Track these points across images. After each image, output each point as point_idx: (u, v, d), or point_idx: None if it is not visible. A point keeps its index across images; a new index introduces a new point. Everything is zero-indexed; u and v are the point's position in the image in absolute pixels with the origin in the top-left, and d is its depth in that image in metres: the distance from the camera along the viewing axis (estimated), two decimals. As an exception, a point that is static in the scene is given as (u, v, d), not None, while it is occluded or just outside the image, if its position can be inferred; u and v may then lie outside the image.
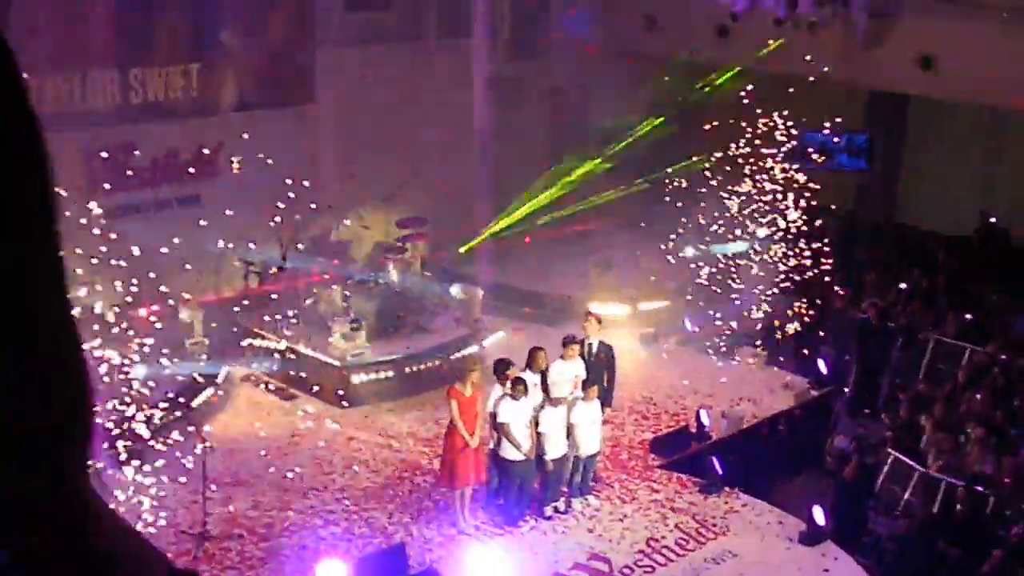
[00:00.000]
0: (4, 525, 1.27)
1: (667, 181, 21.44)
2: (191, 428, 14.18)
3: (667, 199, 22.76)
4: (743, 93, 21.65)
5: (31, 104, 1.30)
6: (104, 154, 17.12)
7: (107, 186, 17.24)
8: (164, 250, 17.79)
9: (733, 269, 20.91)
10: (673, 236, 21.48)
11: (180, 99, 17.67)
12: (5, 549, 1.25)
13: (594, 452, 14.23)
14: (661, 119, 21.67)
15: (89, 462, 1.37)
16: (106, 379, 15.02)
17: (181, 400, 15.53)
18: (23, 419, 1.24)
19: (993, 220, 21.71)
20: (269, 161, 18.33)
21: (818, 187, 23.73)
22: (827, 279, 20.16)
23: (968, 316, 18.26)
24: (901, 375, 18.31)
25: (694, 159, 21.63)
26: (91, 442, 1.36)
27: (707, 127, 21.41)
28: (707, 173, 20.03)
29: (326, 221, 19.12)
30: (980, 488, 14.30)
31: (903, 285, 19.34)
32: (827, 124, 19.18)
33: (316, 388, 16.72)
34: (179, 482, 14.26)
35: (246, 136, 18.14)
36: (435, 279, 19.71)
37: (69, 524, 1.31)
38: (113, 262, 17.24)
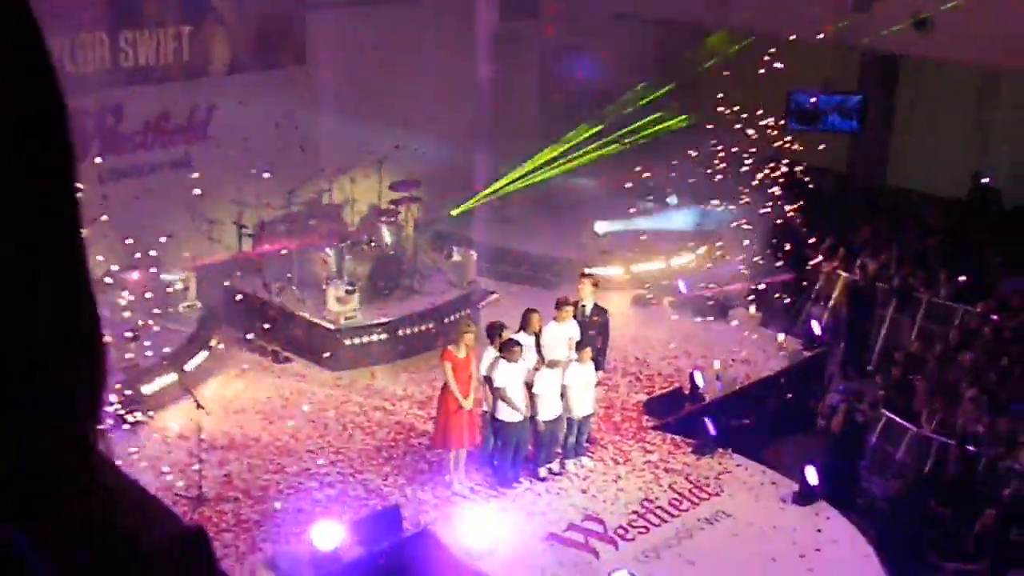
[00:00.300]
0: (22, 502, 1.10)
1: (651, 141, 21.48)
2: (185, 391, 14.16)
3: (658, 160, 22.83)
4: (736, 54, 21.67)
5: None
6: (94, 117, 17.03)
7: (98, 150, 17.20)
8: (156, 213, 17.83)
9: (725, 232, 20.97)
10: (667, 198, 21.53)
11: (171, 62, 17.57)
12: (25, 532, 1.09)
13: (588, 414, 14.27)
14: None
15: (101, 415, 1.21)
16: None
17: (175, 363, 15.54)
18: (33, 355, 1.11)
19: (986, 181, 21.71)
20: (261, 125, 18.35)
21: (812, 148, 23.90)
22: (817, 240, 20.25)
23: (961, 277, 18.31)
24: (894, 336, 18.39)
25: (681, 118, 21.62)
26: (105, 390, 1.22)
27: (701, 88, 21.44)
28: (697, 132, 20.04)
29: (319, 184, 19.06)
30: (972, 447, 14.39)
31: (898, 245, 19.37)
32: (819, 85, 19.13)
33: (310, 350, 16.72)
34: (174, 444, 14.33)
35: (238, 99, 18.08)
36: (428, 242, 19.70)
37: (88, 495, 1.15)
38: (104, 225, 17.29)
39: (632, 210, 21.36)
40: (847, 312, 18.19)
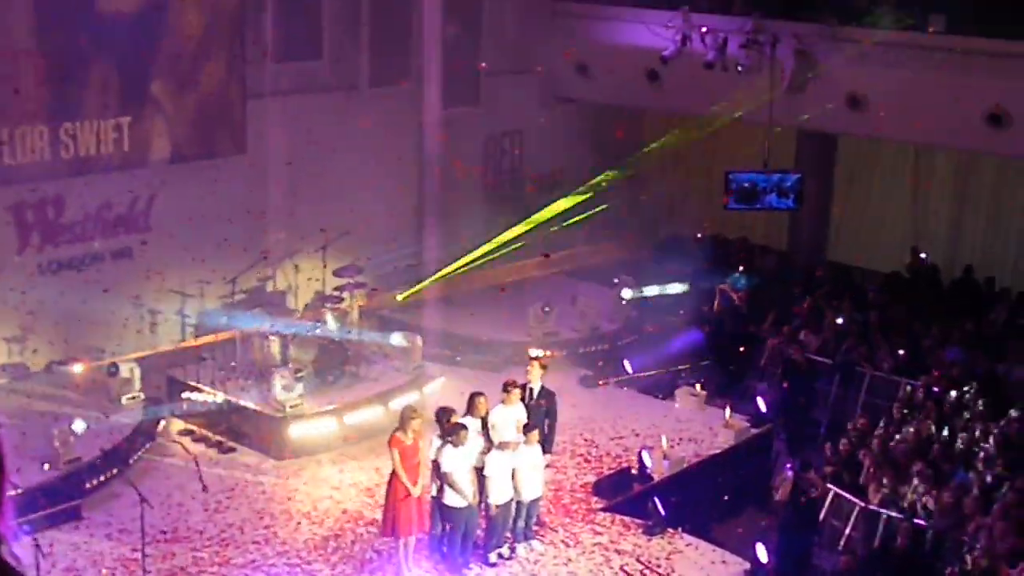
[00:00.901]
0: None
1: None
2: (128, 484, 13.94)
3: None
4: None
5: None
6: (34, 209, 16.94)
7: (38, 242, 17.09)
8: (98, 305, 17.69)
9: (670, 309, 21.14)
10: (614, 279, 21.68)
11: (112, 152, 17.54)
12: None
13: (536, 496, 14.20)
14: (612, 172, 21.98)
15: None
16: (39, 436, 14.86)
17: (117, 456, 15.33)
18: None
19: (924, 256, 22.05)
20: (203, 214, 18.33)
21: (753, 226, 24.26)
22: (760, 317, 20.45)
23: (900, 351, 18.52)
24: (839, 410, 18.53)
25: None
26: (5, 512, 1.25)
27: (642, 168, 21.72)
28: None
29: (262, 271, 19.03)
30: (920, 521, 14.45)
31: (840, 320, 19.57)
32: (759, 165, 19.40)
33: (255, 440, 16.56)
34: (116, 540, 14.09)
35: (179, 188, 18.07)
36: (373, 327, 19.66)
37: None
38: (45, 318, 17.15)
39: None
40: (787, 387, 18.32)
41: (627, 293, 21.20)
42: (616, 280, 21.76)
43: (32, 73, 16.49)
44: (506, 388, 14.31)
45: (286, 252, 19.51)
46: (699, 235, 23.99)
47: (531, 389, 14.67)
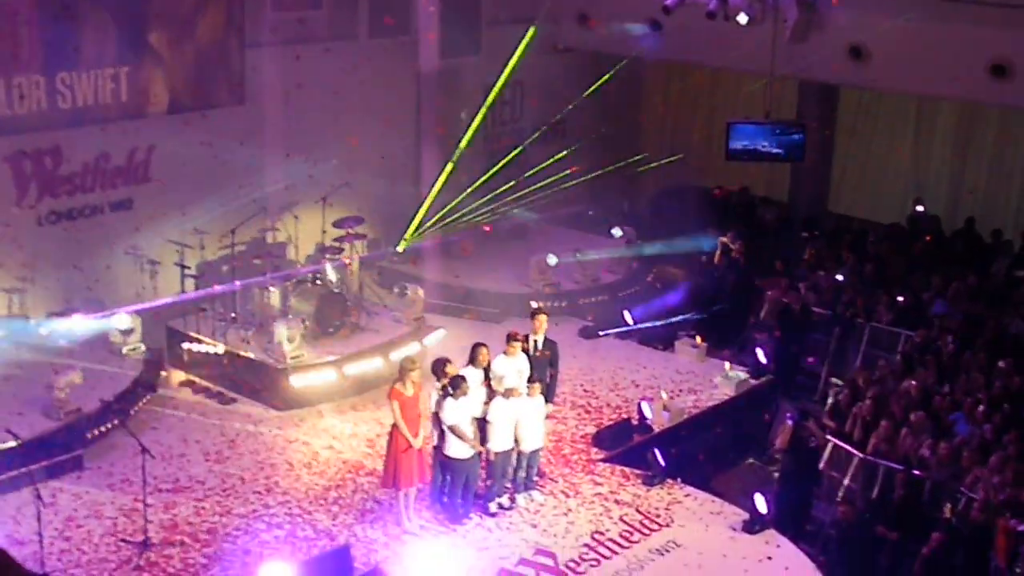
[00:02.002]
0: None
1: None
2: (129, 435, 13.98)
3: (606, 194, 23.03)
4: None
5: None
6: (32, 159, 16.87)
7: (36, 192, 17.02)
8: (97, 256, 17.67)
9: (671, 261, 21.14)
10: (613, 231, 21.65)
11: (109, 103, 17.43)
12: None
13: (537, 447, 14.24)
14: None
15: None
16: (39, 387, 14.89)
17: (118, 406, 15.36)
18: None
19: (920, 208, 21.99)
20: (202, 164, 18.26)
21: (755, 177, 24.19)
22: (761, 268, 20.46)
23: (900, 300, 18.51)
24: (838, 362, 18.56)
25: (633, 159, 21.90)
26: None
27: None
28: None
29: (262, 223, 18.97)
30: (917, 472, 14.51)
31: (839, 277, 19.56)
32: (759, 115, 19.28)
33: (255, 391, 16.59)
34: (119, 490, 14.14)
35: (178, 139, 17.99)
36: (374, 278, 19.65)
37: None
38: (44, 269, 17.12)
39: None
40: (780, 336, 18.34)
41: (617, 231, 21.20)
42: (615, 231, 21.72)
43: (28, 22, 16.35)
44: (509, 339, 14.31)
45: (286, 203, 19.44)
46: (716, 191, 23.95)
47: (535, 341, 14.66)
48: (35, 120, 16.69)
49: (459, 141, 20.94)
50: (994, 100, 19.02)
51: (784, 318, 18.57)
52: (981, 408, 15.17)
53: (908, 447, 14.88)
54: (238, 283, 17.40)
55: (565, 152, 22.05)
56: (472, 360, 13.95)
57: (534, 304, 16.56)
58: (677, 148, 24.46)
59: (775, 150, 17.87)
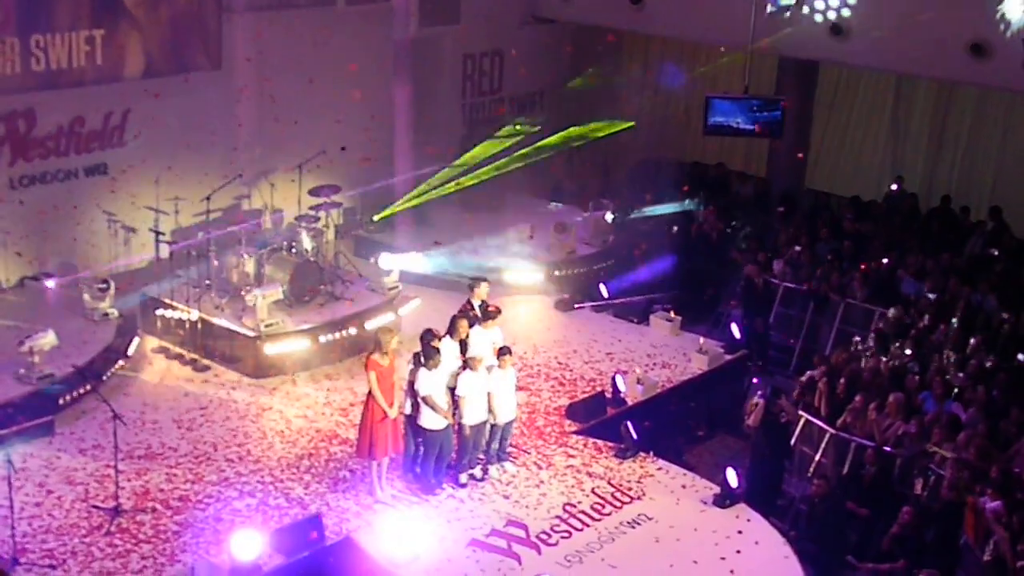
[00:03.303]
0: None
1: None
2: (102, 400, 13.93)
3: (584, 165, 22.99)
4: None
5: None
6: (5, 122, 16.72)
7: (9, 155, 16.88)
8: (71, 221, 17.55)
9: (647, 235, 21.14)
10: (592, 202, 21.63)
11: (84, 66, 17.28)
12: None
13: (510, 419, 14.26)
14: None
15: None
16: (11, 351, 14.81)
17: (90, 372, 15.29)
18: None
19: (894, 188, 22.02)
20: (177, 130, 18.14)
21: (732, 153, 24.21)
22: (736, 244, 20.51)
23: (866, 276, 18.58)
24: (811, 338, 18.63)
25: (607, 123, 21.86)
26: None
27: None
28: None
29: (238, 190, 18.88)
30: (888, 448, 14.60)
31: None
32: (738, 90, 19.27)
33: (229, 358, 16.54)
34: (90, 456, 14.09)
35: (152, 104, 17.85)
36: (349, 247, 19.57)
37: None
38: (17, 233, 17.00)
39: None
40: (744, 311, 18.43)
41: (609, 216, 21.21)
42: (593, 204, 21.70)
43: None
44: (484, 311, 14.31)
45: (261, 170, 19.34)
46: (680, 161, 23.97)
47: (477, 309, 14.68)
48: (8, 83, 16.53)
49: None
50: (972, 80, 19.04)
51: (747, 293, 18.64)
52: (955, 386, 15.28)
53: (880, 425, 14.95)
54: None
55: (539, 127, 22.11)
56: (451, 331, 13.95)
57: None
58: (656, 121, 24.46)
59: (752, 125, 17.85)
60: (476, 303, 14.77)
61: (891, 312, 17.38)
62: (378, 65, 20.67)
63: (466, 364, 13.76)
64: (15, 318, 15.97)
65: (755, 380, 16.42)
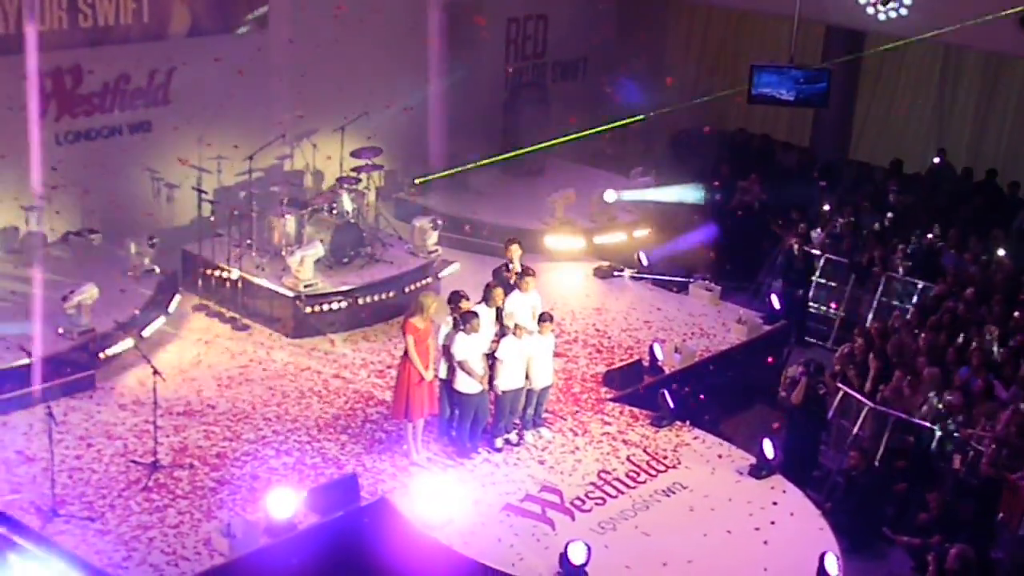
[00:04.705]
0: None
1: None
2: (142, 356, 14.03)
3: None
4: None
5: None
6: (51, 78, 16.81)
7: (55, 111, 16.97)
8: (115, 177, 17.64)
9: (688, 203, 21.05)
10: (634, 172, 21.52)
11: (131, 23, 17.32)
12: None
13: (547, 385, 14.26)
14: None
15: None
16: (54, 306, 14.93)
17: (131, 328, 15.40)
18: None
19: (936, 161, 21.80)
20: (221, 89, 18.16)
21: (777, 122, 24.02)
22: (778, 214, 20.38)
23: (909, 250, 18.44)
24: (852, 311, 18.53)
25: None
26: None
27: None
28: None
29: (280, 150, 18.92)
30: (927, 423, 14.52)
31: (840, 219, 19.45)
32: (783, 60, 19.08)
33: (269, 318, 16.62)
34: (129, 411, 14.22)
35: (199, 62, 17.88)
36: (390, 210, 19.58)
37: None
38: (62, 188, 17.11)
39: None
40: (784, 282, 18.34)
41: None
42: (635, 172, 21.59)
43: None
44: (522, 275, 14.30)
45: (304, 131, 19.35)
46: (706, 129, 23.74)
47: (513, 269, 14.66)
48: (56, 39, 16.60)
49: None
50: (1021, 52, 18.79)
51: (786, 264, 18.54)
52: (996, 360, 15.17)
53: (918, 400, 14.86)
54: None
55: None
56: (486, 299, 13.93)
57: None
58: (700, 91, 24.26)
59: (797, 95, 17.69)
60: (515, 260, 14.73)
61: (933, 287, 17.25)
62: (419, 27, 20.55)
63: (503, 330, 13.76)
64: (59, 272, 16.09)
65: (796, 356, 16.34)
